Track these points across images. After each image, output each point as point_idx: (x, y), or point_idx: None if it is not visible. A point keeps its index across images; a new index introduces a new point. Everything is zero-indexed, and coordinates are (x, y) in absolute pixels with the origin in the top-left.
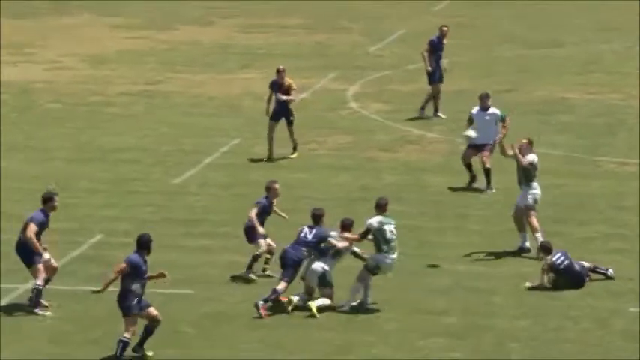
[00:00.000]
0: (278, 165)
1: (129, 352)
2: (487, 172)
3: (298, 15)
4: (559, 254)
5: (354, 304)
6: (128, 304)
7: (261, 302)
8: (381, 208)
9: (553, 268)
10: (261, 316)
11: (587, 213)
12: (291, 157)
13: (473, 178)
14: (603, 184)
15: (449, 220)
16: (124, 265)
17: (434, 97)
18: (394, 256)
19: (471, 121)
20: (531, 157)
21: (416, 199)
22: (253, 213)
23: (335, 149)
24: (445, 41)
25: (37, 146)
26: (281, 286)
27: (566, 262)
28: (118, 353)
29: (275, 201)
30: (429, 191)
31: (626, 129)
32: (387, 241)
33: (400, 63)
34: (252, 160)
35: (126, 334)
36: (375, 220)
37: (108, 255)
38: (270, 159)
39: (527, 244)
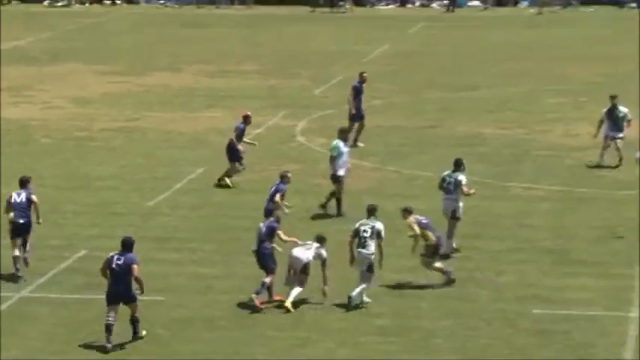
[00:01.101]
0: (239, 189)
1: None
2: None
3: (254, 63)
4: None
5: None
6: (133, 294)
7: (254, 295)
8: (370, 212)
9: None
10: (257, 309)
11: (498, 230)
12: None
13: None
14: (511, 206)
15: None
16: (137, 265)
17: (357, 130)
18: (363, 250)
19: None
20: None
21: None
22: (278, 197)
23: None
24: (364, 85)
25: (33, 175)
26: (268, 278)
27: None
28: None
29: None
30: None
31: (531, 159)
32: (360, 238)
33: (340, 103)
34: (215, 186)
35: (138, 314)
36: (359, 222)
37: (91, 267)
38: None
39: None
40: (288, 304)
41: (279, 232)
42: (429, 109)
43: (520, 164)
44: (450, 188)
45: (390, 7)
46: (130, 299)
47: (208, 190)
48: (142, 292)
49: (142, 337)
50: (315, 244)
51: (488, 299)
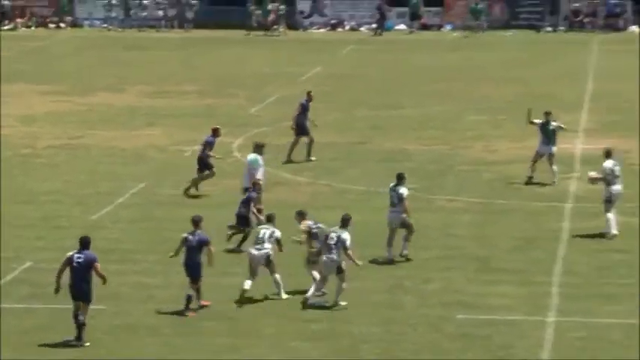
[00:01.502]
0: (181, 203)
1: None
2: None
3: (193, 83)
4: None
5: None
6: (90, 295)
7: (192, 308)
8: (343, 222)
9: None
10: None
11: (425, 240)
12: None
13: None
14: (436, 217)
15: None
16: (98, 262)
17: (308, 145)
18: (330, 256)
19: None
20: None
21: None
22: (252, 206)
23: (225, 190)
24: (311, 103)
25: None
26: (195, 286)
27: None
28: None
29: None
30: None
31: (453, 173)
32: (327, 245)
33: (275, 121)
34: (156, 200)
35: (85, 318)
36: (331, 229)
37: (36, 278)
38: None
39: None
40: (283, 296)
41: (210, 246)
42: (359, 127)
43: (444, 178)
44: (394, 201)
45: (322, 30)
46: (86, 298)
47: (149, 204)
48: (104, 283)
49: (84, 345)
50: (264, 228)
51: (415, 305)
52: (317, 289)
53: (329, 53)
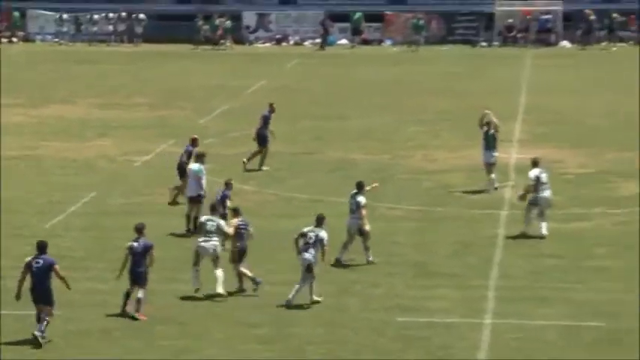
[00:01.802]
0: (129, 212)
1: None
2: None
3: (143, 96)
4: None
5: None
6: (52, 297)
7: (137, 314)
8: (318, 221)
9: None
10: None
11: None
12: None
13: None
14: (378, 224)
15: (264, 250)
16: (57, 265)
17: (262, 156)
18: (305, 254)
19: None
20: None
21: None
22: (228, 203)
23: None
24: (273, 115)
25: None
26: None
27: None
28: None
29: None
30: None
31: (394, 182)
32: (304, 243)
33: (222, 132)
34: (106, 209)
35: (49, 318)
36: (307, 228)
37: None
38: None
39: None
40: (219, 289)
41: (153, 251)
42: (304, 137)
43: (385, 187)
44: (353, 208)
45: (267, 45)
46: (48, 301)
47: (100, 213)
48: (68, 288)
49: (44, 342)
50: (211, 220)
51: (359, 309)
52: (298, 290)
53: (274, 67)
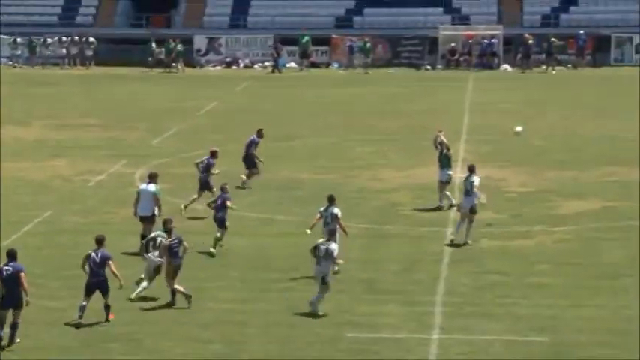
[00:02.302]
0: (84, 231)
1: None
2: None
3: (96, 117)
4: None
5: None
6: (22, 300)
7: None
8: (329, 233)
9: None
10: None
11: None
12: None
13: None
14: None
15: (215, 268)
16: (24, 273)
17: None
18: (317, 266)
19: None
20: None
21: (193, 255)
22: (230, 204)
23: (126, 218)
24: (261, 140)
25: None
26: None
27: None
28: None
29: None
30: (198, 248)
31: (343, 200)
32: (317, 256)
33: (175, 153)
34: (61, 228)
35: (19, 320)
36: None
37: None
38: None
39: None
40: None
41: (111, 262)
42: None
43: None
44: (328, 221)
45: (218, 68)
46: (17, 305)
47: (55, 231)
48: (27, 297)
49: (16, 342)
50: (161, 236)
51: (310, 325)
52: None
53: (225, 89)
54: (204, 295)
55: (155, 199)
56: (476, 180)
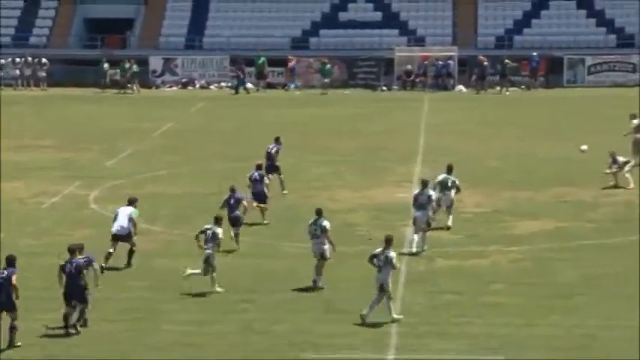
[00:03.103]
0: (39, 253)
1: None
2: None
3: (50, 138)
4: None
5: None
6: (14, 303)
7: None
8: (387, 242)
9: None
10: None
11: (274, 284)
12: None
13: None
14: (285, 263)
15: (168, 291)
16: (15, 275)
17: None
18: (378, 274)
19: None
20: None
21: (142, 276)
22: (244, 203)
23: (80, 240)
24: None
25: None
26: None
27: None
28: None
29: None
30: (155, 270)
31: (301, 221)
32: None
33: (130, 174)
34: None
35: (16, 323)
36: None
37: None
38: None
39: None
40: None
41: (86, 271)
42: (212, 178)
43: (292, 226)
44: (317, 234)
45: (174, 88)
46: (11, 307)
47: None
48: (17, 298)
49: (18, 346)
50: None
51: (265, 346)
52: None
53: (181, 110)
54: (161, 317)
55: (130, 219)
56: (433, 194)
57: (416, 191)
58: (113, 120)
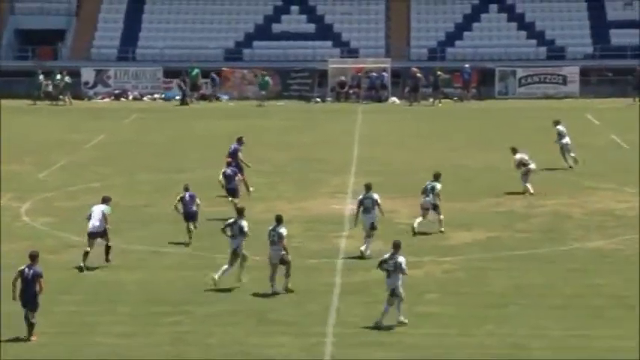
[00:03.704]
0: None
1: None
2: None
3: None
4: None
5: None
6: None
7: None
8: (395, 247)
9: None
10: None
11: (208, 296)
12: None
13: None
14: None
15: (103, 303)
16: (42, 278)
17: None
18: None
19: None
20: None
21: (76, 289)
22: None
23: (11, 252)
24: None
25: None
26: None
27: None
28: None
29: None
30: (89, 283)
31: None
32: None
33: (61, 186)
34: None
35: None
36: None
37: None
38: None
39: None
40: None
41: (42, 279)
42: (143, 190)
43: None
44: (274, 240)
45: (106, 100)
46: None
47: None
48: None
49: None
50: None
51: (198, 358)
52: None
53: (113, 121)
54: (93, 329)
55: (104, 216)
56: (377, 197)
57: (360, 196)
58: (46, 132)
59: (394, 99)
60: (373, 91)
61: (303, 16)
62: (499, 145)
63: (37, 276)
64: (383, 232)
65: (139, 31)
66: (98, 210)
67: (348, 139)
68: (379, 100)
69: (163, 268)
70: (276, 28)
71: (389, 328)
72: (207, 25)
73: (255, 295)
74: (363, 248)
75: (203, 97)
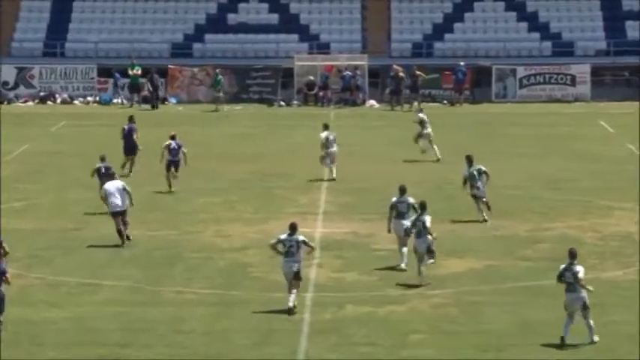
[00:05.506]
0: None
1: None
2: None
3: None
4: None
5: None
6: None
7: None
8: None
9: None
10: None
11: (150, 337)
12: None
13: None
14: (164, 311)
15: (24, 347)
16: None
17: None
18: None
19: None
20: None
21: None
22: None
23: None
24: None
25: None
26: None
27: None
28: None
29: None
30: (10, 321)
31: (183, 261)
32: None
33: None
34: None
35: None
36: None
37: None
38: None
39: None
40: None
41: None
42: (75, 210)
43: (172, 267)
44: (292, 251)
45: (30, 104)
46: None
47: None
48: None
49: None
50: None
51: None
52: None
53: (39, 129)
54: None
55: (127, 192)
56: (412, 201)
57: (394, 199)
58: None
59: (372, 102)
60: (347, 92)
61: (265, 5)
62: (495, 158)
63: (2, 273)
64: (359, 261)
65: (68, 21)
66: (114, 187)
67: (318, 150)
68: (354, 103)
69: (98, 303)
70: (231, 18)
71: None
72: (151, 14)
73: (208, 335)
74: (403, 265)
75: (145, 100)
